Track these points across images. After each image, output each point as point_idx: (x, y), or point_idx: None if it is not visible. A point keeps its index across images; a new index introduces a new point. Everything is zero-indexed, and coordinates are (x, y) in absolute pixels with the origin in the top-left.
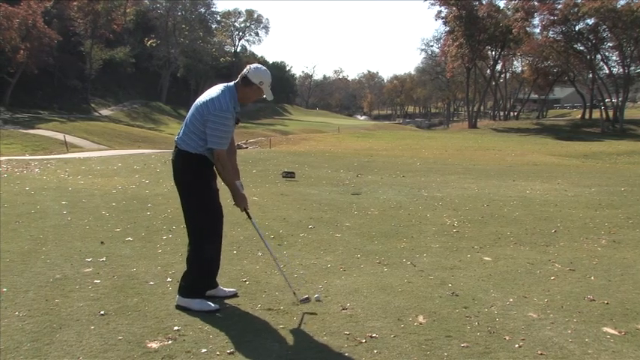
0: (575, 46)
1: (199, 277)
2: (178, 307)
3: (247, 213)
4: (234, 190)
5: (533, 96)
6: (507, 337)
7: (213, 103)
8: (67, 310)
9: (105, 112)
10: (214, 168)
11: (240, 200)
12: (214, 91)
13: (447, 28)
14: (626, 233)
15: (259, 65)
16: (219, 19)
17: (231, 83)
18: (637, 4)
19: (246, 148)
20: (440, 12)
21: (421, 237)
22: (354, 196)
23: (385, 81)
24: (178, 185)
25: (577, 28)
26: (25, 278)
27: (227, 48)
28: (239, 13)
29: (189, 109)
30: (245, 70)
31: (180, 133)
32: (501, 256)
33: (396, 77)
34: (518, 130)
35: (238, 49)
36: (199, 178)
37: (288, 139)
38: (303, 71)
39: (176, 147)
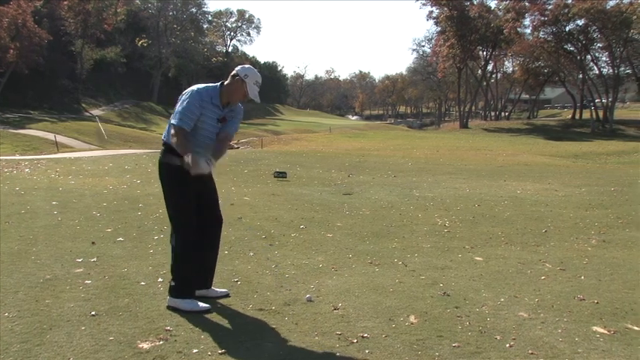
0: (565, 46)
1: (182, 275)
2: (169, 307)
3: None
4: (191, 157)
5: (524, 96)
6: (498, 337)
7: (187, 88)
8: (57, 310)
9: (96, 112)
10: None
11: (193, 165)
12: (206, 84)
13: (439, 29)
14: (616, 233)
15: (251, 66)
16: (210, 19)
17: (217, 83)
18: (626, 5)
19: (238, 148)
20: (431, 12)
21: (412, 237)
22: (346, 196)
23: (377, 81)
24: (160, 181)
25: (567, 28)
26: (14, 279)
27: (218, 48)
28: (230, 13)
29: None
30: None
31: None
32: (492, 256)
33: (387, 77)
34: (509, 130)
35: (230, 49)
36: (175, 172)
37: (280, 139)
38: (294, 71)
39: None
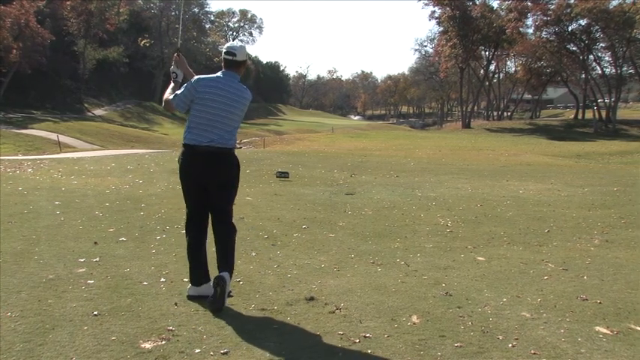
0: (568, 46)
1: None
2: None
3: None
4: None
5: (527, 96)
6: (501, 337)
7: (247, 92)
8: (60, 310)
9: (98, 112)
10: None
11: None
12: (236, 83)
13: (441, 29)
14: (619, 233)
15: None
16: (212, 19)
17: (231, 72)
18: (629, 5)
19: (240, 148)
20: (434, 12)
21: (415, 237)
22: (348, 196)
23: (379, 81)
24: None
25: (570, 28)
26: (17, 279)
27: (221, 48)
28: (233, 13)
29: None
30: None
31: (217, 133)
32: (495, 256)
33: (389, 77)
34: (511, 130)
35: None
36: (180, 173)
37: (282, 139)
38: (297, 71)
39: (210, 147)
